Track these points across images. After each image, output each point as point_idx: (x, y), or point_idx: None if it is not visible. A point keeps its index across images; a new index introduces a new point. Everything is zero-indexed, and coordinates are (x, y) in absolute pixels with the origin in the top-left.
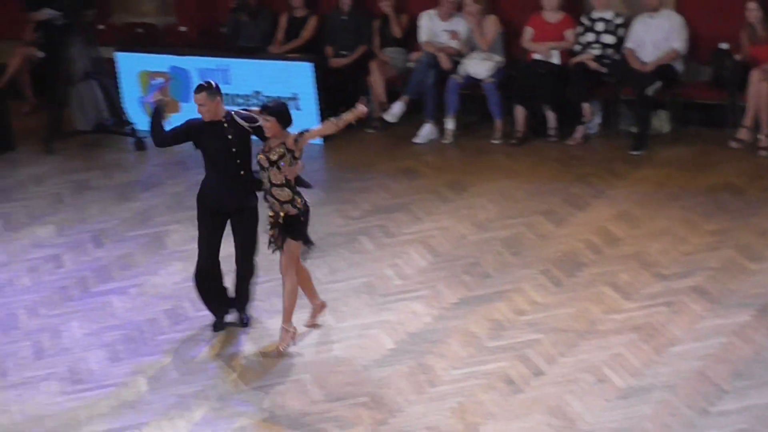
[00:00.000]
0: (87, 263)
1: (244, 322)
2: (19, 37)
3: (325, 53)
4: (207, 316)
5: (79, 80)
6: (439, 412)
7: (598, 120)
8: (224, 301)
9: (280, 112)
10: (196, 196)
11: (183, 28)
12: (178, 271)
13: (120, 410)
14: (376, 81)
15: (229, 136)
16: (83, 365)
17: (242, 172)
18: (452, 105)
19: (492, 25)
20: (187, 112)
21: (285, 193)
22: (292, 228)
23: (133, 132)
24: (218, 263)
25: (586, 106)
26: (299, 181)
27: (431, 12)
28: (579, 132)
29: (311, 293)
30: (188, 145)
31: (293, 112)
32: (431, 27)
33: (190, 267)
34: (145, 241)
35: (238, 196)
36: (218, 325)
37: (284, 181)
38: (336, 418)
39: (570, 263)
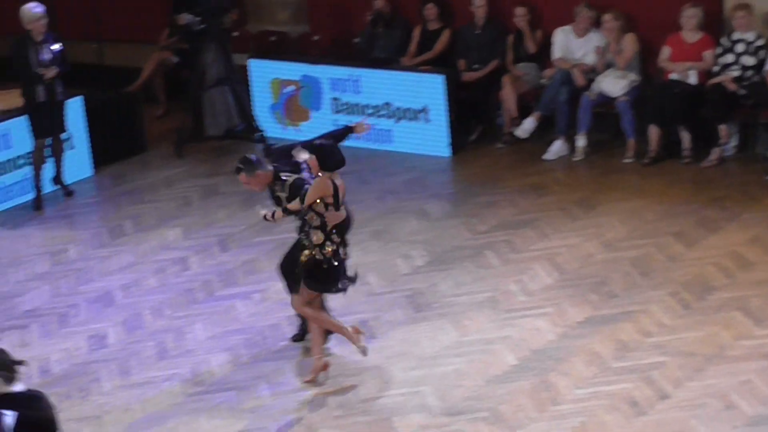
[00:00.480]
0: (213, 267)
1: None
2: (155, 42)
3: (458, 66)
4: None
5: (212, 86)
6: (561, 431)
7: (734, 142)
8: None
9: (321, 152)
10: None
11: (316, 37)
12: None
13: (240, 414)
14: (508, 96)
15: (278, 194)
16: (205, 367)
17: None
18: (584, 122)
19: (630, 43)
20: (316, 120)
21: (317, 236)
22: (312, 273)
23: (263, 139)
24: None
25: (722, 128)
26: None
27: (566, 28)
28: (714, 154)
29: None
30: None
31: (423, 125)
32: (566, 43)
33: None
34: (270, 247)
35: None
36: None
37: (319, 224)
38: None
39: (700, 286)
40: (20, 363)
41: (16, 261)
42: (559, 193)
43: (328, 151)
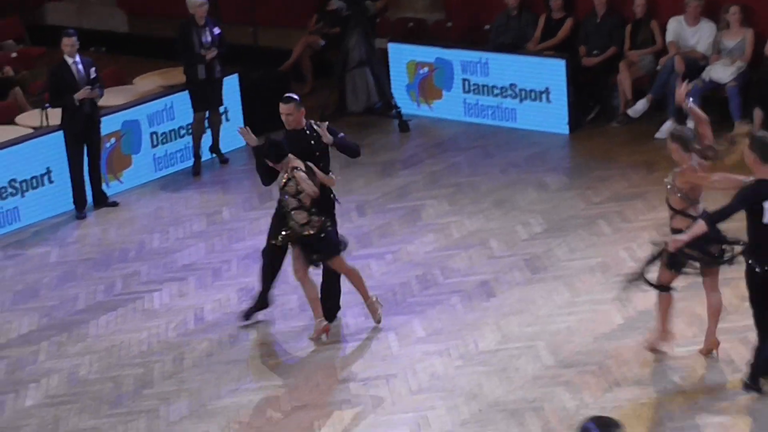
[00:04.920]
0: (350, 230)
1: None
2: (304, 26)
3: (578, 52)
4: (455, 283)
5: (354, 67)
6: (662, 385)
7: None
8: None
9: None
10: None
11: (450, 24)
12: (431, 242)
13: (371, 362)
14: (624, 80)
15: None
16: (341, 320)
17: None
18: None
19: (751, 39)
20: (448, 99)
21: (301, 215)
22: (314, 246)
23: (399, 115)
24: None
25: None
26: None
27: (679, 17)
28: None
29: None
30: (447, 129)
31: (545, 105)
32: (678, 31)
33: (443, 239)
34: (403, 213)
35: None
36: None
37: (298, 205)
38: (566, 382)
39: None
40: None
41: (177, 220)
42: (668, 169)
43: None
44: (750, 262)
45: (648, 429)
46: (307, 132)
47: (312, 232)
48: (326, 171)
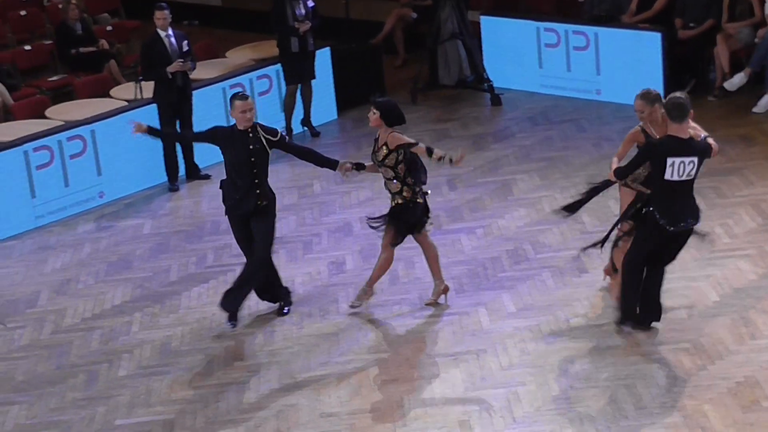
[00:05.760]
0: (441, 204)
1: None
2: None
3: (675, 25)
4: (548, 258)
5: (446, 39)
6: (758, 363)
7: None
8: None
9: (386, 108)
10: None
11: None
12: (522, 217)
13: (461, 336)
14: (721, 52)
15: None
16: (431, 295)
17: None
18: None
19: None
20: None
21: (394, 186)
22: (399, 217)
23: (491, 89)
24: None
25: None
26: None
27: None
28: None
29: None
30: (540, 103)
31: (637, 79)
32: None
33: (534, 213)
34: (494, 187)
35: None
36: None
37: (393, 176)
38: (659, 359)
39: None
40: None
41: None
42: (766, 143)
43: (393, 109)
44: (658, 217)
45: (744, 408)
46: (250, 135)
47: (400, 201)
48: (263, 176)
